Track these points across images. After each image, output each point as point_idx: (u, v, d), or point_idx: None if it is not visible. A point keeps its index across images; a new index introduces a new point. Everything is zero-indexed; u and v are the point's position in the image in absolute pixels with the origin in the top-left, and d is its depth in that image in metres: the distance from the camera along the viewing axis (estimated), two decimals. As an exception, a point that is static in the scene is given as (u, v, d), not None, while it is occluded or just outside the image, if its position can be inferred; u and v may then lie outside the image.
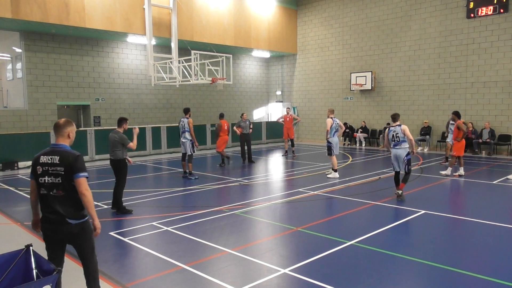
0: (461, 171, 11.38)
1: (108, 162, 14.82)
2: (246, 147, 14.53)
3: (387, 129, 8.83)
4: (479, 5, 16.24)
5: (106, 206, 8.24)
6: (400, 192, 8.57)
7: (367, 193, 9.25)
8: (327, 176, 11.35)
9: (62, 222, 3.61)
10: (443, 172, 11.52)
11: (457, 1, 16.91)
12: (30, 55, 15.88)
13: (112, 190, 8.00)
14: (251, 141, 14.70)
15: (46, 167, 3.61)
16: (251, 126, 14.52)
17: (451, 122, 13.85)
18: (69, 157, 3.59)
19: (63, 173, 3.57)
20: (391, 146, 8.70)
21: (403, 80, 18.91)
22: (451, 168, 11.46)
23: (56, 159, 3.60)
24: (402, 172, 8.67)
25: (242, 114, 14.71)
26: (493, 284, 4.53)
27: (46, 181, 3.61)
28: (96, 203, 8.47)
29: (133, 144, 7.72)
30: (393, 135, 8.58)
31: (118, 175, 7.84)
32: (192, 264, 5.17)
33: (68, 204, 3.61)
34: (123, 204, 7.86)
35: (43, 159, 3.64)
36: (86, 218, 3.73)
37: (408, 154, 8.50)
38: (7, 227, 7.00)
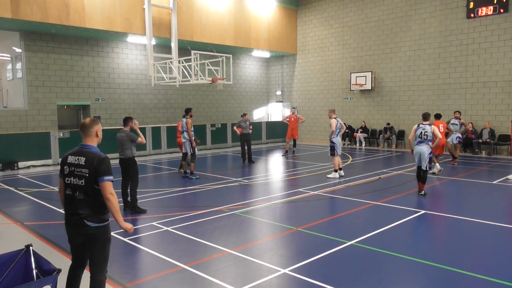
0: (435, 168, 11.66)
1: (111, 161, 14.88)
2: (246, 147, 14.51)
3: (416, 125, 9.13)
4: (479, 5, 16.24)
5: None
6: (423, 192, 8.94)
7: (367, 193, 9.25)
8: (327, 176, 11.35)
9: (81, 224, 3.52)
10: (435, 170, 11.56)
11: (457, 1, 16.91)
12: (30, 55, 15.87)
13: (120, 190, 8.02)
14: (251, 141, 14.69)
15: (73, 168, 3.55)
16: (251, 127, 14.50)
17: (451, 122, 13.88)
18: (94, 159, 3.51)
19: (87, 175, 3.49)
20: (416, 142, 9.01)
21: (403, 80, 18.91)
22: (437, 164, 11.67)
23: (82, 160, 3.53)
24: (423, 168, 8.92)
25: (243, 115, 14.66)
26: (493, 284, 4.53)
27: (72, 182, 3.55)
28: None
29: (141, 139, 7.76)
30: (421, 132, 8.91)
31: (129, 174, 7.86)
32: (192, 264, 5.17)
33: (88, 207, 3.53)
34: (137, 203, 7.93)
35: (71, 159, 3.59)
36: (106, 223, 3.65)
37: (430, 152, 8.90)
38: (7, 227, 7.00)
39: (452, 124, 13.83)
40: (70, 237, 3.65)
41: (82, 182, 3.50)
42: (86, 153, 3.56)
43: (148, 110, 19.46)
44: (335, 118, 11.38)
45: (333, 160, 11.41)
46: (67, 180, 3.58)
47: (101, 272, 3.67)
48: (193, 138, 11.27)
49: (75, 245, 3.68)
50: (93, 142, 3.65)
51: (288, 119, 16.34)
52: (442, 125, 11.83)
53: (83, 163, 3.51)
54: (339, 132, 11.44)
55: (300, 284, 4.60)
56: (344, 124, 19.60)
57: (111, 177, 3.53)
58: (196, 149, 11.52)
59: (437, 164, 11.67)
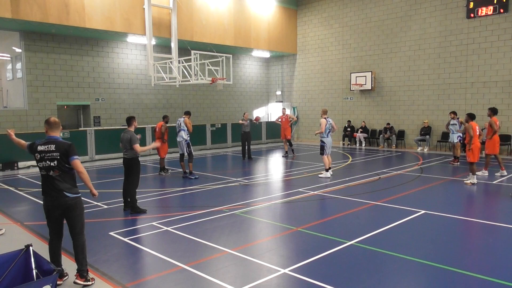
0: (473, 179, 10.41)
1: (108, 162, 14.92)
2: (246, 146, 15.29)
3: None
4: (479, 5, 16.24)
5: (106, 206, 8.24)
6: None
7: (367, 193, 9.25)
8: (319, 176, 11.38)
9: (61, 195, 4.47)
10: (473, 181, 10.27)
11: (457, 1, 16.91)
12: (30, 55, 15.87)
13: (122, 190, 8.01)
14: (251, 140, 15.56)
15: (43, 154, 4.48)
16: (256, 120, 16.16)
17: (451, 123, 13.88)
18: (64, 145, 4.51)
19: (58, 157, 4.45)
20: None
21: (403, 80, 18.91)
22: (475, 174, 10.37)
23: (52, 147, 4.49)
24: None
25: (244, 114, 15.61)
26: (493, 284, 4.53)
27: (44, 165, 4.48)
28: (96, 203, 8.48)
29: (139, 148, 7.67)
30: None
31: (131, 174, 7.87)
32: (192, 264, 5.17)
33: (64, 181, 4.50)
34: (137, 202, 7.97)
35: (40, 148, 4.52)
36: (79, 194, 4.63)
37: None
38: (7, 227, 7.00)
39: (452, 124, 13.84)
40: (50, 210, 4.56)
41: (55, 163, 4.45)
42: (54, 141, 4.53)
43: (148, 110, 19.45)
44: (325, 118, 11.44)
45: (323, 160, 11.47)
46: (40, 164, 4.52)
47: (82, 234, 4.67)
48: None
49: (53, 218, 4.59)
50: (58, 134, 4.66)
51: (280, 120, 16.35)
52: (477, 127, 10.47)
53: (54, 149, 4.47)
54: (329, 132, 11.50)
55: (300, 284, 4.60)
56: (348, 121, 20.06)
57: (78, 157, 4.55)
58: (191, 149, 11.59)
59: (475, 174, 10.28)
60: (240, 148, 16.10)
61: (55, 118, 4.71)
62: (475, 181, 10.26)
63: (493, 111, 11.19)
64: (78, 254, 4.62)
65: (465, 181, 10.45)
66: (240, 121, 15.42)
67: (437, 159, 14.96)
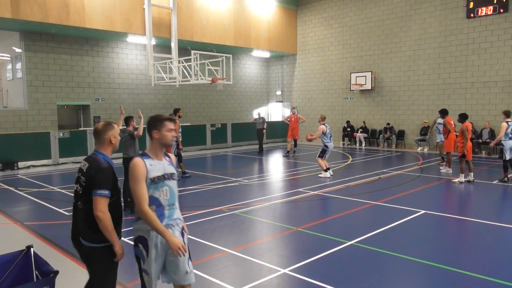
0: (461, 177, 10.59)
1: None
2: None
3: (505, 123, 10.42)
4: (479, 5, 16.24)
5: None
6: (506, 179, 10.34)
7: (367, 193, 9.25)
8: (319, 176, 11.39)
9: (77, 241, 3.16)
10: (466, 179, 10.52)
11: (457, 1, 16.91)
12: (30, 55, 15.87)
13: (122, 190, 8.00)
14: (262, 136, 17.70)
15: (79, 174, 3.21)
16: (265, 127, 17.60)
17: (438, 121, 13.82)
18: (93, 167, 3.11)
19: (84, 184, 3.12)
20: (508, 138, 10.37)
21: (403, 80, 18.91)
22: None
23: (86, 166, 3.16)
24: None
25: (259, 114, 18.08)
26: (493, 284, 4.53)
27: (76, 189, 3.21)
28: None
29: (137, 132, 7.91)
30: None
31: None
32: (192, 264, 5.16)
33: (85, 220, 3.11)
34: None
35: (81, 164, 3.25)
36: (102, 245, 3.12)
37: None
38: (7, 227, 7.00)
39: (438, 123, 13.81)
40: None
41: (80, 190, 3.15)
42: (92, 159, 3.19)
43: (148, 110, 19.43)
44: (324, 124, 11.59)
45: (319, 162, 11.53)
46: (75, 187, 3.24)
47: None
48: (180, 140, 11.37)
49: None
50: (105, 149, 3.27)
51: (288, 119, 16.46)
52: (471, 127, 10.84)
53: (85, 170, 3.15)
54: (331, 136, 11.72)
55: (300, 284, 4.60)
56: (347, 122, 20.08)
57: (106, 192, 3.04)
58: (180, 151, 11.45)
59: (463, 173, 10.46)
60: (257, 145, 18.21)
61: (101, 124, 3.32)
62: (463, 179, 10.45)
63: (444, 113, 12.10)
64: None
65: (453, 180, 10.64)
66: (264, 129, 17.53)
67: (437, 159, 14.95)
